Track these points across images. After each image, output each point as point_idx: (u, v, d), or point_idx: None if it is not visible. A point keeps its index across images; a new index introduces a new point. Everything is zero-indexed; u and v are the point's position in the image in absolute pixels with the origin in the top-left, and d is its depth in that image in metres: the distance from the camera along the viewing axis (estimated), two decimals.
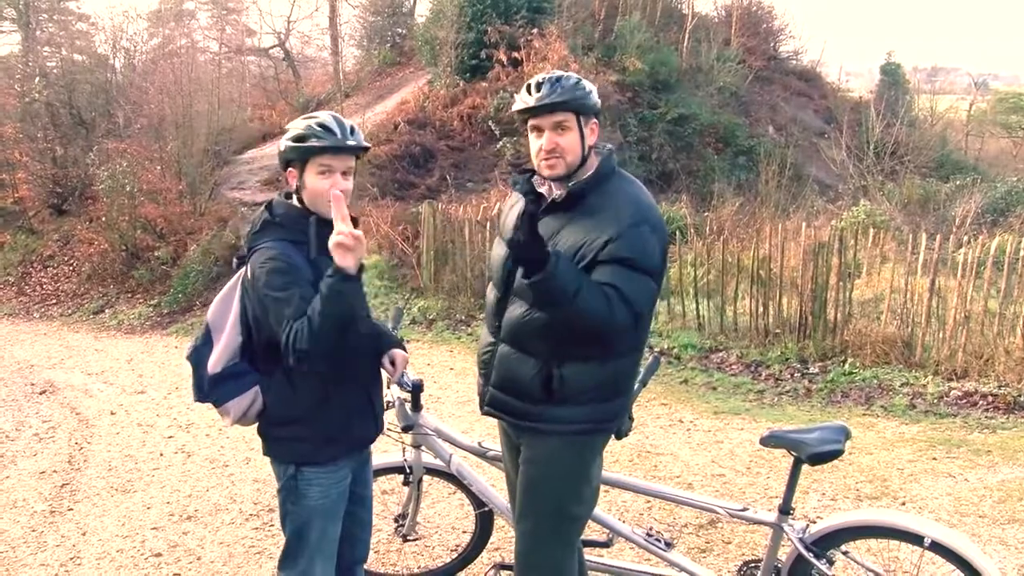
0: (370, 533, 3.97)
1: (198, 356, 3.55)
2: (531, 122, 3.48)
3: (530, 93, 3.45)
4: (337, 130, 3.37)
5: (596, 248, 3.30)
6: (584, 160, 3.47)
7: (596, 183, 3.45)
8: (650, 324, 3.65)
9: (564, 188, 3.47)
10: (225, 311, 3.52)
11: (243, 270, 3.46)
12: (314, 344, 3.15)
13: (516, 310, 3.50)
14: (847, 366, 9.07)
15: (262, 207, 3.55)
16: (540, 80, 3.47)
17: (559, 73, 3.51)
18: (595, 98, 3.47)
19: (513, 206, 3.74)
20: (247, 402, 3.49)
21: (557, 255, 3.18)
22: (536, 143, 3.48)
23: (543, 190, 3.54)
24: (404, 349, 3.84)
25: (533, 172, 3.60)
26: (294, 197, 3.47)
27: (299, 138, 3.35)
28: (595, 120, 3.50)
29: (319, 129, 3.35)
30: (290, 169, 3.42)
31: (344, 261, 3.11)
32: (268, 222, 3.44)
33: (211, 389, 3.51)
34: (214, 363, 3.48)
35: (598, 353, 3.40)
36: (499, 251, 3.67)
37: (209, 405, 3.59)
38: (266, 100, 29.03)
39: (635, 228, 3.31)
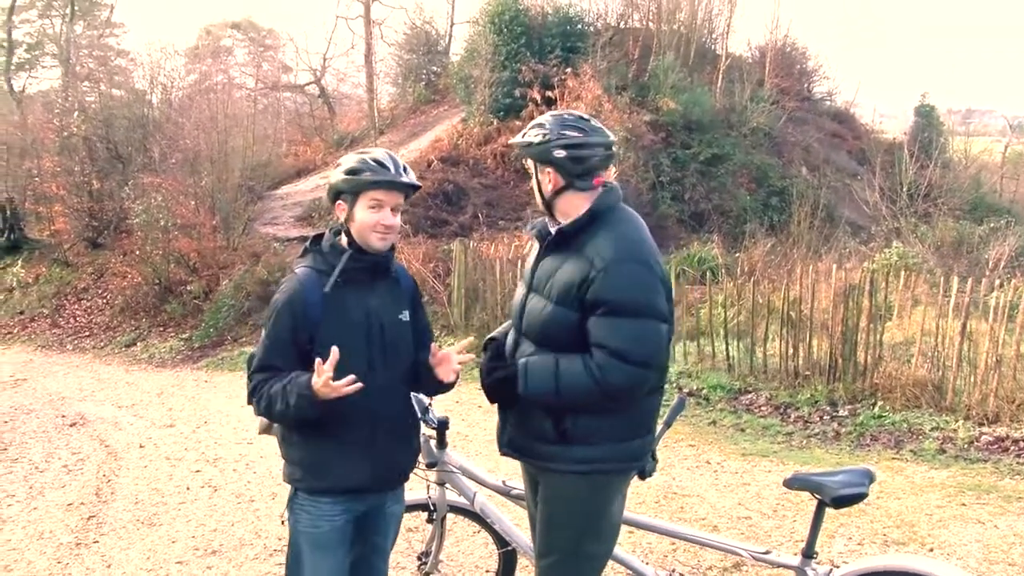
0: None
1: (249, 364, 3.64)
2: None
3: None
4: (391, 166, 3.47)
5: (579, 283, 3.36)
6: (549, 204, 3.58)
7: (586, 223, 3.48)
8: (667, 363, 3.64)
9: (556, 228, 3.58)
10: None
11: None
12: (266, 416, 3.53)
13: (524, 351, 3.58)
14: (877, 409, 8.99)
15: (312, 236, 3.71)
16: None
17: (543, 117, 3.61)
18: (543, 148, 3.50)
19: (531, 250, 3.79)
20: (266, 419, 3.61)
21: (525, 369, 3.44)
22: None
23: (553, 230, 3.60)
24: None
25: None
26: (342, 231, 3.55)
27: (353, 171, 3.44)
28: (549, 169, 3.52)
29: (373, 164, 3.45)
30: (339, 202, 3.50)
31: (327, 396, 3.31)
32: (307, 249, 3.60)
33: (250, 396, 3.58)
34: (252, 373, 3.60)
35: (612, 407, 3.44)
36: (518, 292, 3.75)
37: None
38: (301, 136, 29.32)
39: (619, 265, 3.34)
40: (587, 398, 3.34)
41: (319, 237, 3.62)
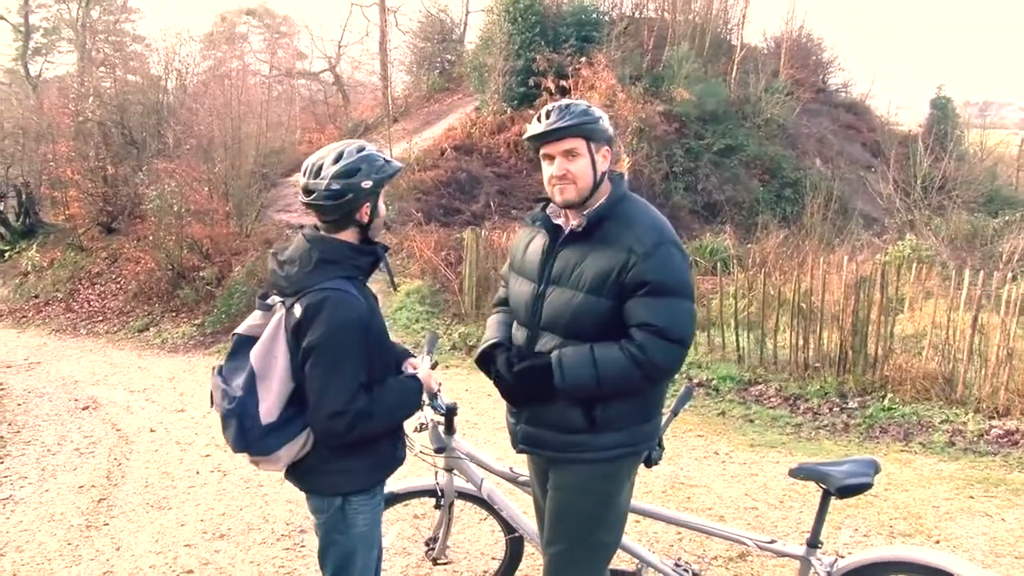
0: (380, 554, 3.90)
1: (243, 408, 3.39)
2: (542, 150, 3.53)
3: (540, 121, 3.50)
4: (386, 153, 3.51)
5: (619, 269, 3.34)
6: (597, 186, 3.49)
7: (611, 208, 3.48)
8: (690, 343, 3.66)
9: (581, 217, 3.50)
10: (271, 358, 3.42)
11: (282, 313, 3.42)
12: (367, 436, 3.43)
13: (547, 344, 3.56)
14: (886, 401, 8.98)
15: (298, 240, 3.53)
16: (550, 108, 3.52)
17: (568, 101, 3.56)
18: (605, 125, 3.50)
19: (532, 240, 3.75)
20: (299, 445, 3.44)
21: (559, 362, 3.42)
22: (548, 170, 3.53)
23: (559, 221, 3.59)
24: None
25: (548, 202, 3.66)
26: (347, 231, 3.49)
27: (380, 170, 3.44)
28: (607, 147, 3.53)
29: (381, 155, 3.48)
30: (366, 204, 3.46)
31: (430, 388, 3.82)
32: (323, 261, 3.41)
33: (263, 438, 3.40)
34: (267, 412, 3.38)
35: (643, 389, 3.46)
36: (523, 288, 3.70)
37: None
38: (315, 123, 29.34)
39: (659, 247, 3.35)
40: (628, 382, 3.36)
41: (316, 243, 3.47)
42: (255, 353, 3.45)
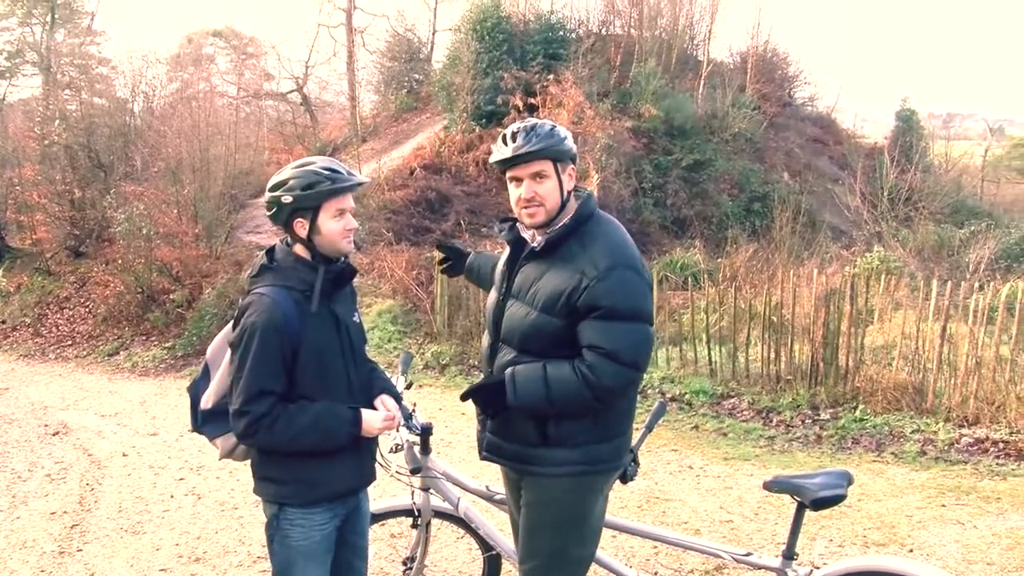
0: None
1: (195, 390, 3.69)
2: (509, 173, 3.53)
3: (506, 144, 3.50)
4: (342, 170, 3.49)
5: (570, 291, 3.36)
6: (563, 205, 3.50)
7: (573, 229, 3.48)
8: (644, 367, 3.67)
9: (543, 236, 3.53)
10: (222, 350, 3.62)
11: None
12: (274, 448, 3.44)
13: (504, 357, 3.60)
14: (858, 412, 9.03)
15: (263, 252, 3.64)
16: (515, 130, 3.52)
17: (533, 121, 3.56)
18: (570, 144, 3.51)
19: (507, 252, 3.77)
20: (233, 440, 3.57)
21: (512, 379, 3.43)
22: (515, 192, 3.53)
23: (527, 235, 3.61)
24: (399, 397, 3.89)
25: (515, 220, 3.68)
26: (298, 246, 3.53)
27: (310, 185, 3.41)
28: (572, 165, 3.53)
29: (327, 173, 3.44)
30: (298, 220, 3.46)
31: (372, 432, 3.56)
32: (265, 267, 3.54)
33: (203, 423, 3.64)
34: (207, 399, 3.61)
35: (596, 408, 3.45)
36: (491, 298, 3.77)
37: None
38: (283, 144, 29.17)
39: (612, 272, 3.34)
40: (578, 402, 3.36)
41: (270, 252, 3.61)
42: (213, 343, 3.70)
